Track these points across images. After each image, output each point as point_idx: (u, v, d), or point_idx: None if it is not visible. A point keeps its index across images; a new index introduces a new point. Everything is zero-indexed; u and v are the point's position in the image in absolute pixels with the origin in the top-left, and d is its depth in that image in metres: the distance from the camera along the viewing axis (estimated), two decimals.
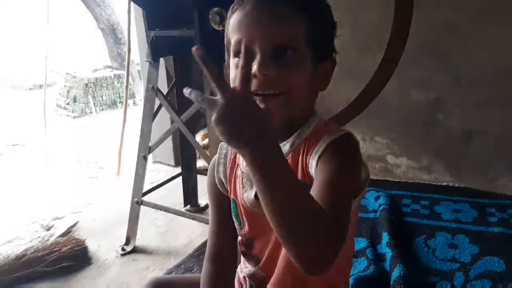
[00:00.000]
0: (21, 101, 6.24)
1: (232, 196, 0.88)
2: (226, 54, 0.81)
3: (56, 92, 6.06)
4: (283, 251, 0.82)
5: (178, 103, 2.29)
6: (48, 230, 2.48)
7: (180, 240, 2.27)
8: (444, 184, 1.87)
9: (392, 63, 1.90)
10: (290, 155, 0.78)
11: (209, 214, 0.95)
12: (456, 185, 1.85)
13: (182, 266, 1.36)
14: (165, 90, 2.30)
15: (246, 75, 0.57)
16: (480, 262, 1.24)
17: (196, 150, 2.29)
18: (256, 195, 0.79)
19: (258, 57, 0.71)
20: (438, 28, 2.26)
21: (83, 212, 2.67)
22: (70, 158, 3.76)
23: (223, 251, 0.92)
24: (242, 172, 0.84)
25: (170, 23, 1.96)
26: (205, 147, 2.56)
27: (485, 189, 1.79)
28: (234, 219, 0.89)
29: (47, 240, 2.26)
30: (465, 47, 2.24)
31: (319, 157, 0.71)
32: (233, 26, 0.76)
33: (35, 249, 2.10)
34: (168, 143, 3.09)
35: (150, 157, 3.21)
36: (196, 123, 2.53)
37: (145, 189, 2.22)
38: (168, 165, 3.24)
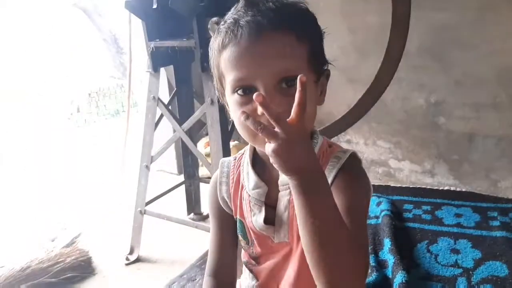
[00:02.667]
0: (26, 110, 6.27)
1: (238, 216, 0.87)
2: (217, 83, 0.77)
3: (59, 102, 6.10)
4: (288, 273, 0.82)
5: (179, 112, 2.31)
6: (52, 241, 2.48)
7: (184, 248, 2.27)
8: (446, 188, 1.86)
9: (391, 66, 1.90)
10: None
11: (211, 229, 0.94)
12: (458, 189, 1.85)
13: (185, 276, 1.37)
14: (167, 99, 2.31)
15: (300, 111, 0.59)
16: (482, 267, 1.23)
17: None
18: (266, 219, 0.80)
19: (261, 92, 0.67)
20: (437, 30, 2.27)
21: (87, 222, 2.68)
22: (74, 167, 3.78)
23: (224, 266, 0.92)
24: (249, 195, 0.83)
25: (170, 34, 1.98)
26: (208, 154, 2.56)
27: (488, 191, 1.80)
28: (241, 238, 0.89)
29: (52, 251, 2.27)
30: (465, 49, 2.24)
31: (331, 184, 0.72)
32: (229, 62, 0.70)
33: (40, 260, 2.11)
34: (171, 151, 3.11)
35: (153, 165, 3.23)
36: (197, 131, 2.54)
37: (148, 198, 2.23)
38: (171, 173, 3.25)
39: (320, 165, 0.64)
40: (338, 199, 0.70)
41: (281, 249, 0.83)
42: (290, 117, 0.59)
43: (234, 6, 0.73)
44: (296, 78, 0.65)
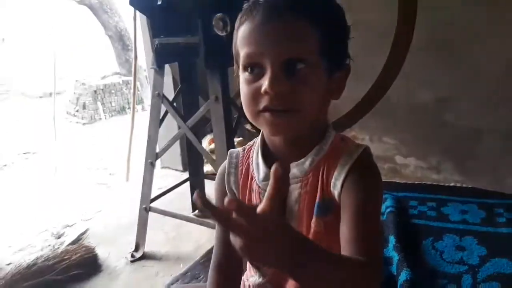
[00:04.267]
0: (32, 109, 6.31)
1: None
2: (235, 64, 0.78)
3: (65, 99, 6.13)
4: None
5: (184, 109, 2.30)
6: (58, 238, 2.50)
7: (188, 245, 2.28)
8: (451, 184, 1.85)
9: (397, 61, 1.89)
10: (310, 174, 0.77)
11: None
12: (464, 185, 1.83)
13: (189, 274, 1.37)
14: (172, 95, 2.31)
15: (272, 199, 0.54)
16: (488, 264, 1.22)
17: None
18: None
19: (269, 73, 0.67)
20: (444, 26, 2.24)
21: (93, 219, 2.69)
22: (80, 165, 3.80)
23: (229, 259, 0.90)
24: (259, 186, 0.82)
25: (174, 30, 1.97)
26: (212, 151, 2.56)
27: (494, 188, 1.77)
28: None
29: (58, 248, 2.29)
30: (472, 45, 2.22)
31: (344, 180, 0.72)
32: (242, 39, 0.72)
33: (46, 258, 2.12)
34: (176, 148, 3.11)
35: (158, 162, 3.24)
36: (202, 128, 2.54)
37: (153, 195, 2.23)
38: (176, 170, 3.26)
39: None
40: (350, 199, 0.71)
41: None
42: (261, 207, 0.54)
43: None
44: (302, 61, 0.68)
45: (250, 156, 0.86)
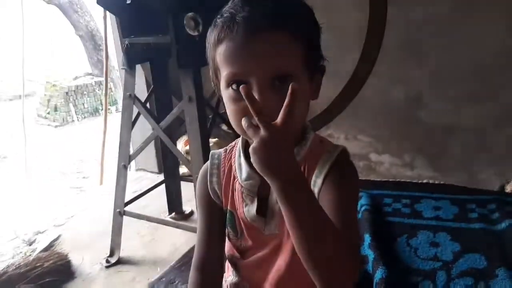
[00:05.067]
0: (1, 112, 6.14)
1: (229, 208, 0.87)
2: (213, 76, 0.78)
3: (36, 101, 5.98)
4: (278, 265, 0.82)
5: (157, 110, 2.27)
6: (30, 245, 2.43)
7: (165, 249, 2.24)
8: (424, 181, 1.87)
9: (369, 60, 1.90)
10: None
11: (198, 222, 0.93)
12: (437, 181, 1.86)
13: (164, 279, 1.34)
14: (145, 96, 2.26)
15: (287, 116, 0.61)
16: (461, 260, 1.24)
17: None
18: (257, 210, 0.81)
19: (257, 90, 0.68)
20: (415, 25, 2.27)
21: (66, 225, 2.63)
22: (52, 169, 3.71)
23: (210, 259, 0.90)
24: (241, 186, 0.83)
25: (145, 30, 1.93)
26: (188, 152, 2.52)
27: (468, 183, 1.80)
28: (230, 230, 0.88)
29: (29, 255, 2.22)
30: (443, 43, 2.25)
31: (324, 179, 0.74)
32: (224, 57, 0.71)
33: (17, 266, 2.05)
34: (151, 150, 3.06)
35: (133, 164, 3.19)
36: (177, 129, 2.50)
37: (128, 198, 2.19)
38: (152, 172, 3.21)
39: (302, 173, 0.66)
40: (330, 195, 0.73)
41: (270, 241, 0.82)
42: (277, 119, 0.61)
43: (232, 0, 0.74)
44: (289, 76, 0.69)
45: (232, 157, 0.87)
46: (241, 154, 0.84)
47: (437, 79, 2.32)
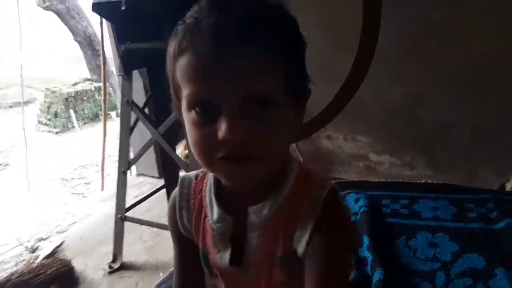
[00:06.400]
0: (2, 119, 6.16)
1: (201, 247, 0.76)
2: (172, 95, 0.66)
3: (36, 108, 6.00)
4: None
5: (156, 115, 2.27)
6: (33, 252, 2.44)
7: (167, 253, 2.25)
8: (422, 181, 1.88)
9: (365, 62, 1.90)
10: (270, 221, 0.67)
11: (173, 251, 0.84)
12: (435, 181, 1.86)
13: (164, 285, 1.35)
14: (143, 102, 2.27)
15: None
16: (460, 260, 1.24)
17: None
18: (231, 260, 0.71)
19: (226, 115, 0.56)
20: (412, 23, 2.27)
21: (68, 231, 2.64)
22: (54, 175, 3.72)
23: (190, 285, 0.83)
24: (213, 229, 0.72)
25: (140, 35, 1.94)
26: (187, 156, 2.54)
27: (468, 181, 1.80)
28: (205, 268, 0.79)
29: (32, 262, 2.23)
30: (440, 41, 2.25)
31: (309, 238, 0.65)
32: (185, 72, 0.58)
33: (20, 273, 2.06)
34: (151, 155, 3.07)
35: (134, 169, 3.20)
36: (177, 133, 2.51)
37: (129, 204, 2.20)
38: (153, 177, 3.22)
39: None
40: (316, 259, 0.64)
41: (248, 286, 0.75)
42: None
43: (197, 3, 0.59)
44: (267, 100, 0.57)
45: (203, 189, 0.75)
46: (212, 191, 0.72)
47: (434, 77, 2.32)
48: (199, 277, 0.82)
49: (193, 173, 0.78)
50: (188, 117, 0.60)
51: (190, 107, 0.59)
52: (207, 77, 0.56)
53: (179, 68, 0.59)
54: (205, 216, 0.73)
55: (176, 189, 0.78)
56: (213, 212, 0.71)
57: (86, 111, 5.71)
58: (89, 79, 6.29)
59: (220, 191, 0.72)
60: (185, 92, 0.59)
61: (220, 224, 0.70)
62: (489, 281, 1.15)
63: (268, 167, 0.61)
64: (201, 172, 0.77)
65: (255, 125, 0.56)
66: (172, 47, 0.61)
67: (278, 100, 0.58)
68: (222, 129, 0.55)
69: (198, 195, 0.75)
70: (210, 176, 0.74)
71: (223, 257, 0.72)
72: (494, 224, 1.39)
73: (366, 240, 1.33)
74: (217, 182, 0.72)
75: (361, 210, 1.51)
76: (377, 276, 1.16)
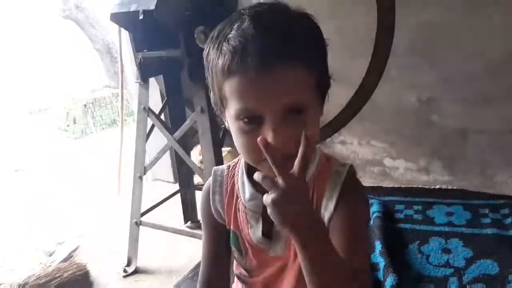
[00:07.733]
0: (21, 125, 6.28)
1: (232, 227, 0.85)
2: (218, 103, 0.73)
3: (55, 114, 6.11)
4: (284, 286, 0.82)
5: (171, 121, 2.31)
6: (50, 256, 2.49)
7: (181, 258, 2.26)
8: (437, 187, 1.86)
9: (379, 66, 1.90)
10: None
11: (203, 239, 0.91)
12: (450, 186, 1.84)
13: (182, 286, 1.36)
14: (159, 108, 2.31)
15: (303, 165, 0.61)
16: (473, 266, 1.23)
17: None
18: (263, 232, 0.79)
19: (271, 123, 0.65)
20: (425, 27, 2.26)
21: (84, 235, 2.68)
22: (71, 180, 3.78)
23: (217, 276, 0.89)
24: (245, 206, 0.81)
25: (157, 44, 1.98)
26: (202, 162, 2.56)
27: (484, 187, 1.78)
28: (235, 249, 0.87)
29: (49, 266, 2.27)
30: (454, 45, 2.23)
31: (336, 204, 0.73)
32: (235, 91, 0.66)
33: (37, 277, 2.11)
34: (167, 160, 3.11)
35: (149, 174, 3.23)
36: (191, 139, 2.54)
37: (145, 208, 2.23)
38: (168, 182, 3.25)
39: (318, 217, 0.67)
40: (343, 224, 0.72)
41: (276, 262, 0.82)
42: (293, 169, 0.61)
43: (238, 22, 0.66)
44: (304, 106, 0.66)
45: (235, 174, 0.84)
46: (244, 173, 0.82)
47: (449, 82, 2.30)
48: (226, 264, 0.90)
49: (225, 165, 0.89)
50: (235, 125, 0.69)
51: (238, 118, 0.68)
52: (254, 95, 0.65)
53: (228, 85, 0.67)
54: (237, 198, 0.83)
55: (210, 179, 0.88)
56: (245, 192, 0.81)
57: (104, 117, 5.79)
58: (107, 86, 6.40)
59: (250, 173, 0.79)
60: (233, 106, 0.67)
61: (252, 202, 0.79)
62: (503, 287, 1.14)
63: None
64: (232, 163, 0.87)
65: (294, 129, 0.65)
66: (219, 64, 0.67)
67: (313, 105, 0.68)
68: (269, 135, 0.64)
69: (230, 180, 0.85)
70: (242, 162, 0.83)
71: (255, 232, 0.80)
72: (508, 230, 1.38)
73: (378, 245, 1.33)
74: (248, 167, 0.81)
75: (374, 215, 1.50)
76: (389, 281, 1.16)
